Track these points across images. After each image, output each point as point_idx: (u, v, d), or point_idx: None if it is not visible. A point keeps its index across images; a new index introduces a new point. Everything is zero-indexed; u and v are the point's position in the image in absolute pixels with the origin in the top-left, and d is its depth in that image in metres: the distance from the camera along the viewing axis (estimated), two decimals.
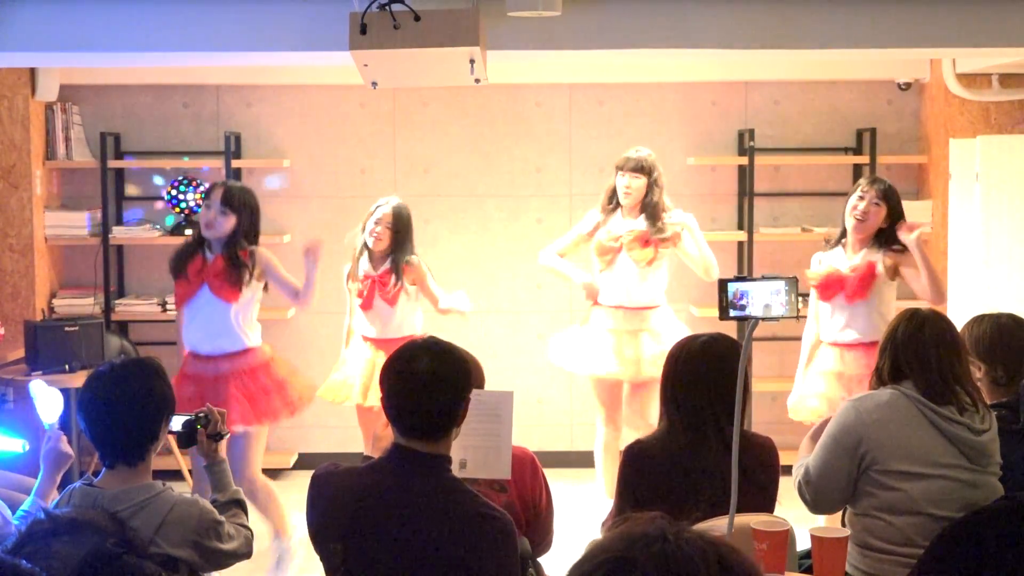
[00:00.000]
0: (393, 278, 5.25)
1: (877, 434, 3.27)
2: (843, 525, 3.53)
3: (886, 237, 4.90)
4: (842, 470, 3.31)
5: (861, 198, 4.91)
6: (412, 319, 5.37)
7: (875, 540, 3.30)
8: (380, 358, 5.07)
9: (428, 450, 2.74)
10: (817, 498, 3.39)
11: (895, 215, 4.90)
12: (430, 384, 2.71)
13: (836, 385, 4.92)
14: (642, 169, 5.41)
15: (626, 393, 5.57)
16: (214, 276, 4.76)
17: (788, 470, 3.57)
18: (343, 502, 2.73)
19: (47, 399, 3.67)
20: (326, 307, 6.58)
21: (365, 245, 5.31)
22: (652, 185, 5.42)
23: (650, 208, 5.43)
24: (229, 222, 4.73)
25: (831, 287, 4.93)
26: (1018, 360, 3.68)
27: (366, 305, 5.30)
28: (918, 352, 3.34)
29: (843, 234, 5.00)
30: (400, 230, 5.26)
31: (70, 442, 3.49)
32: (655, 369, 5.30)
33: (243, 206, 4.76)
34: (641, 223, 5.44)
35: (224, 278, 4.74)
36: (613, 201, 5.50)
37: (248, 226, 4.80)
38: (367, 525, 2.69)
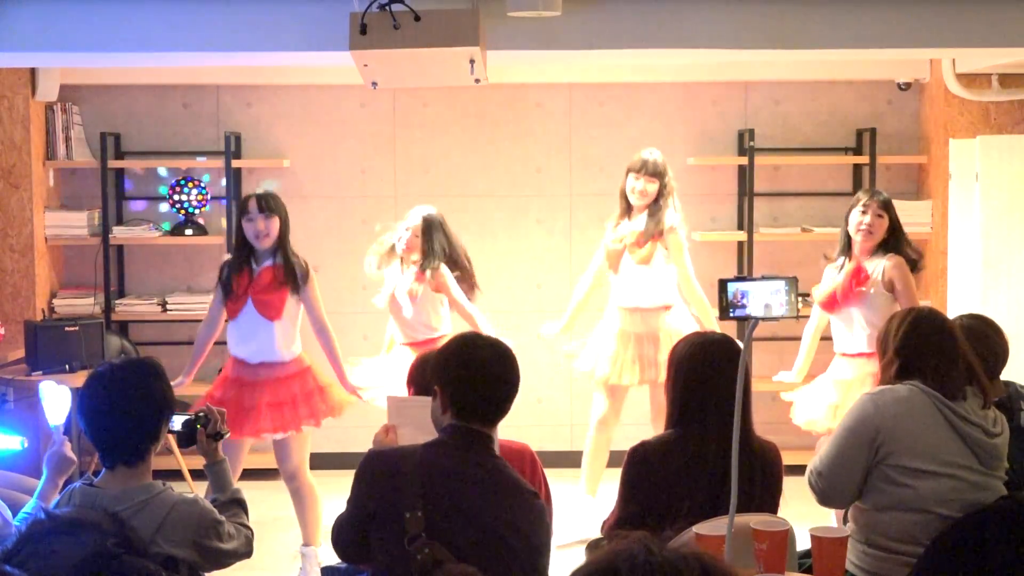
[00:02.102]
0: (418, 275, 5.28)
1: (894, 428, 3.28)
2: (844, 523, 3.53)
3: (889, 248, 5.00)
4: (857, 462, 3.31)
5: (864, 212, 4.99)
6: (437, 320, 5.36)
7: (879, 537, 3.30)
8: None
9: (484, 430, 2.88)
10: (828, 490, 3.38)
11: (895, 225, 5.02)
12: (498, 373, 2.88)
13: (847, 395, 4.97)
14: (657, 174, 5.44)
15: (649, 395, 5.60)
16: (259, 292, 4.85)
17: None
18: (416, 473, 2.79)
19: (56, 399, 3.66)
20: (328, 308, 6.58)
21: (394, 247, 5.34)
22: (662, 189, 5.46)
23: (655, 211, 5.48)
24: (275, 224, 4.85)
25: (831, 298, 5.03)
26: (987, 360, 3.68)
27: (395, 311, 5.33)
28: (942, 349, 3.36)
29: (845, 250, 5.06)
30: (429, 238, 5.28)
31: (70, 443, 3.49)
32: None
33: (279, 206, 4.91)
34: (641, 223, 5.48)
35: (269, 294, 4.85)
36: (623, 203, 5.53)
37: (287, 224, 4.93)
38: (442, 493, 2.78)
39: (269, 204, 4.86)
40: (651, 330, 5.48)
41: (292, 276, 4.87)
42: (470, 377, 2.87)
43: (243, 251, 4.91)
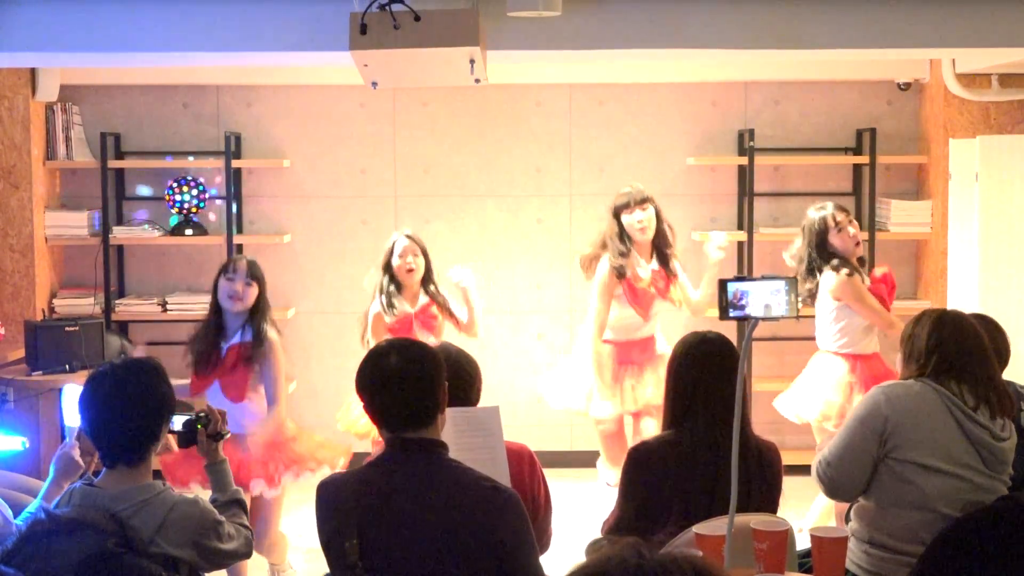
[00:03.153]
0: (434, 308, 5.19)
1: (903, 421, 3.30)
2: (847, 520, 3.54)
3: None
4: (866, 452, 3.32)
5: (841, 227, 5.15)
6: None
7: (882, 536, 3.30)
8: None
9: (421, 436, 2.80)
10: (837, 480, 3.38)
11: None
12: (403, 378, 2.79)
13: (854, 395, 5.03)
14: (647, 199, 5.36)
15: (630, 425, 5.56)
16: (225, 374, 4.68)
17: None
18: (353, 499, 2.76)
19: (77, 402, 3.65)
20: (324, 307, 6.59)
21: (394, 281, 5.18)
22: (658, 213, 5.40)
23: (662, 239, 5.40)
24: (253, 293, 4.69)
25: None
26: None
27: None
28: (971, 353, 3.37)
29: (841, 259, 5.15)
30: (426, 254, 5.23)
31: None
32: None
33: (261, 277, 4.75)
34: (655, 263, 5.42)
35: (234, 375, 4.67)
36: (626, 243, 5.36)
37: (262, 296, 4.75)
38: (381, 515, 2.72)
39: (255, 272, 4.71)
40: (642, 359, 5.45)
41: (259, 352, 4.68)
42: (379, 387, 2.81)
43: (213, 324, 4.73)
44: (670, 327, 5.60)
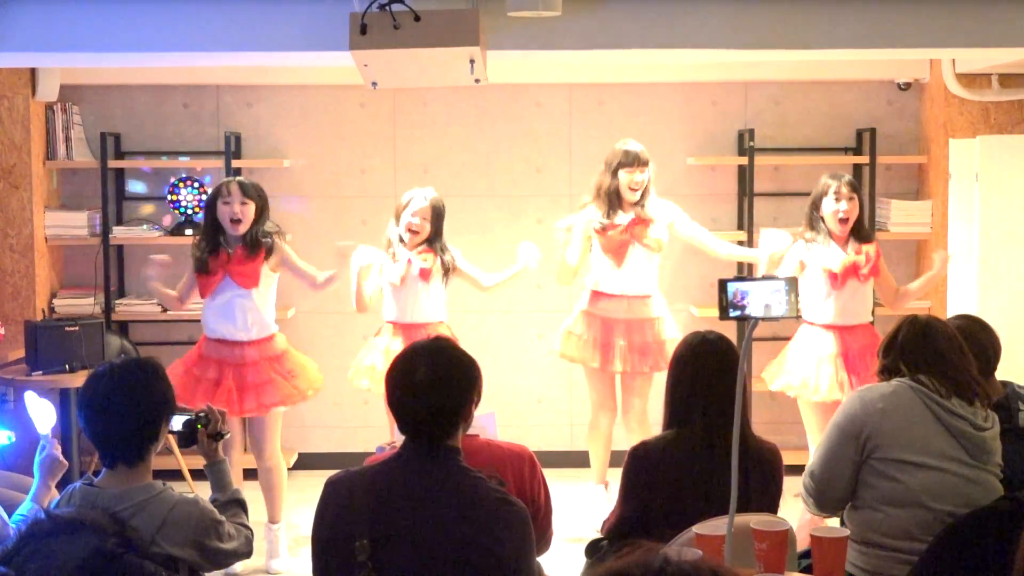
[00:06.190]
0: (431, 256, 5.31)
1: (880, 422, 3.31)
2: (842, 524, 3.54)
3: (858, 227, 5.33)
4: (846, 458, 3.33)
5: (838, 199, 5.24)
6: (438, 305, 5.41)
7: (874, 535, 3.31)
8: (397, 345, 5.13)
9: (442, 443, 2.79)
10: (822, 492, 3.39)
11: (861, 203, 5.33)
12: (429, 391, 2.77)
13: (843, 367, 5.16)
14: (646, 162, 5.48)
15: (620, 387, 5.60)
16: (235, 264, 5.00)
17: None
18: (365, 499, 2.74)
19: (40, 410, 3.69)
20: (325, 307, 6.59)
21: (400, 239, 5.37)
22: (650, 174, 5.52)
23: (646, 196, 5.51)
24: (250, 210, 5.00)
25: (847, 275, 5.22)
26: (980, 358, 3.70)
27: (401, 289, 5.35)
28: (934, 351, 3.40)
29: (828, 233, 5.30)
30: (437, 221, 5.35)
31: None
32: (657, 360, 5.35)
33: (258, 195, 5.07)
34: (643, 212, 5.52)
35: (243, 264, 4.99)
36: (617, 200, 5.49)
37: (263, 213, 5.07)
38: (392, 517, 2.71)
39: (249, 192, 5.00)
40: (640, 317, 5.49)
41: (261, 245, 5.02)
42: (403, 394, 2.79)
43: (215, 234, 5.03)
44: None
